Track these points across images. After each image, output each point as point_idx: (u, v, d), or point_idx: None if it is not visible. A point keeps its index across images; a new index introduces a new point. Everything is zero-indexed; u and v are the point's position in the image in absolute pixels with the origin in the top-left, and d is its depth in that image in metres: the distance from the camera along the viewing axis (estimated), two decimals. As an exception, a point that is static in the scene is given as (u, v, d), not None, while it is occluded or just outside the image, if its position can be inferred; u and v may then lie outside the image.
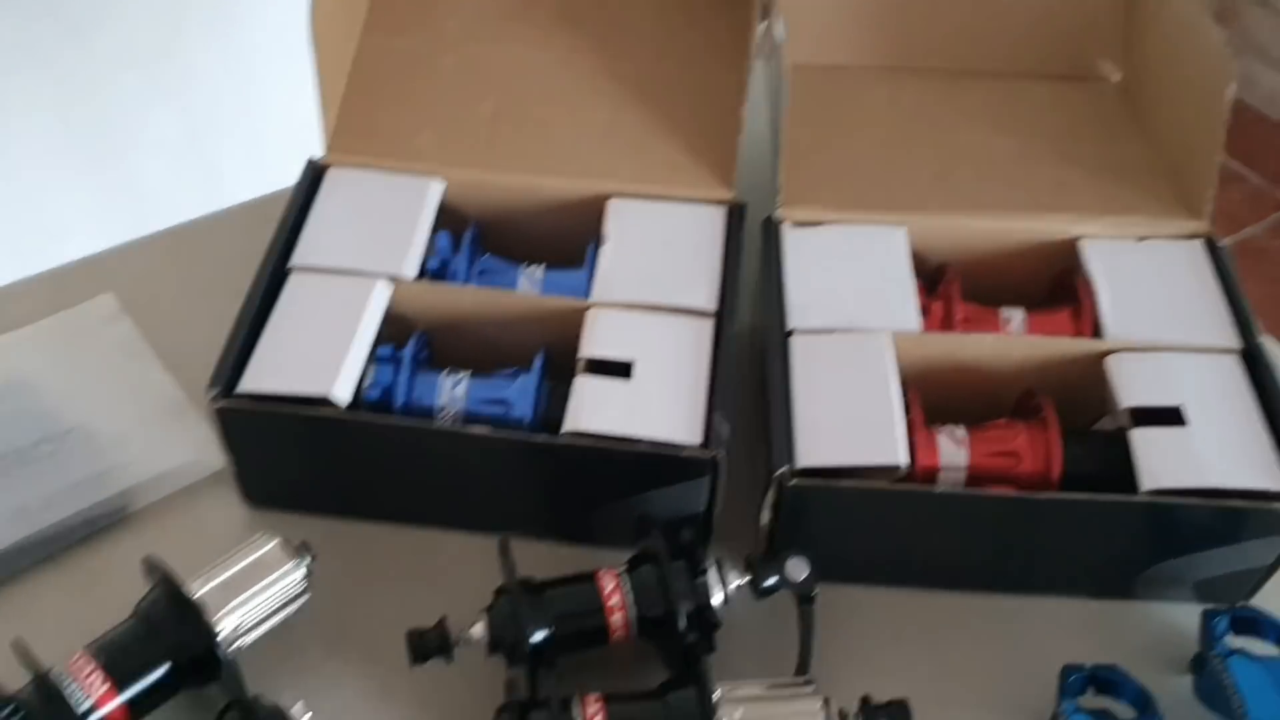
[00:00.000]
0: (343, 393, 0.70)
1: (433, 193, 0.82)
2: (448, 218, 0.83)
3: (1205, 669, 0.70)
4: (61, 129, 1.42)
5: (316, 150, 0.84)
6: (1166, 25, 0.88)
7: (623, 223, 0.81)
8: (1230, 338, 0.76)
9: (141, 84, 1.44)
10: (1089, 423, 0.77)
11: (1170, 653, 0.73)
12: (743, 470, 0.73)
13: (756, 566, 0.69)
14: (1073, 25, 0.96)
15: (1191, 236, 0.82)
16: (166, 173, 1.47)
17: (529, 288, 0.80)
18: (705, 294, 0.77)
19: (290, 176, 0.84)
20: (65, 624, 0.72)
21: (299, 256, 0.78)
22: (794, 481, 0.67)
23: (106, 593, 0.72)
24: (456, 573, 0.75)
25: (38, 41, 1.35)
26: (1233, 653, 0.68)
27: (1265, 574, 0.73)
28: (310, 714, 0.63)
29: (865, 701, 0.65)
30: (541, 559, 0.70)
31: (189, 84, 1.48)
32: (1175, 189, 0.85)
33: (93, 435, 0.79)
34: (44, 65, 1.36)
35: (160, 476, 0.77)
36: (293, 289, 0.76)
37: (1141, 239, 0.82)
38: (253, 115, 1.48)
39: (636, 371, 0.72)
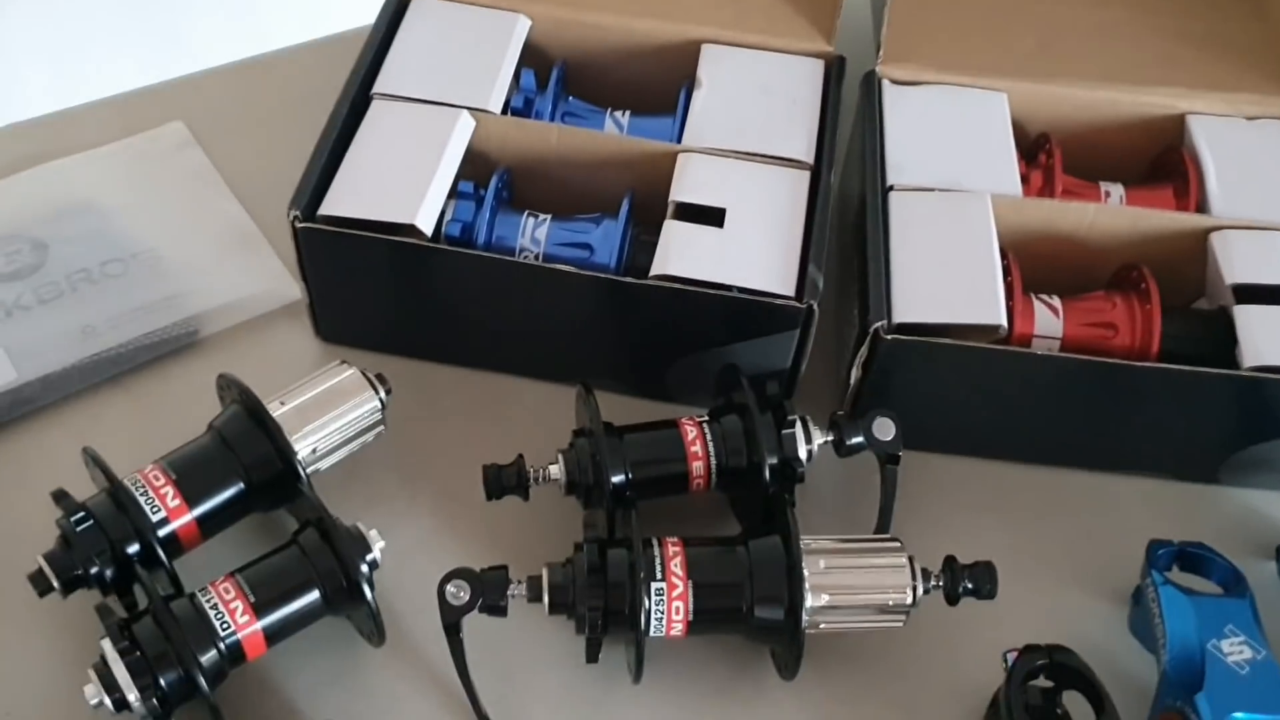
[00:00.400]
0: (426, 222, 0.68)
1: (520, 28, 0.79)
2: (533, 57, 0.80)
3: (1295, 554, 0.68)
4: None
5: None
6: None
7: (717, 69, 0.78)
8: (1342, 219, 0.74)
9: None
10: (1184, 303, 0.75)
11: (1256, 539, 0.71)
12: (827, 329, 0.71)
13: (841, 425, 0.67)
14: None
15: (1302, 116, 0.79)
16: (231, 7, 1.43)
17: (616, 132, 0.78)
18: (802, 145, 0.74)
19: (353, 19, 0.81)
20: (130, 444, 0.70)
21: (382, 84, 0.75)
22: (890, 336, 0.65)
23: (172, 416, 0.72)
24: (531, 419, 0.73)
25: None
26: (1327, 536, 0.66)
27: (1360, 461, 0.71)
28: (382, 543, 0.62)
29: (950, 561, 0.63)
30: (616, 410, 0.68)
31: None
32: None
33: (162, 259, 0.77)
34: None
35: (230, 305, 0.75)
36: (375, 117, 0.74)
37: (1251, 118, 0.79)
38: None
39: (729, 219, 0.70)
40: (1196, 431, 0.71)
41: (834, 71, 0.79)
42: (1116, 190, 0.79)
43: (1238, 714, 0.57)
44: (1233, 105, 0.79)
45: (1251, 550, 0.71)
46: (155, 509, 0.60)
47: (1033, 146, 0.80)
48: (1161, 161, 0.81)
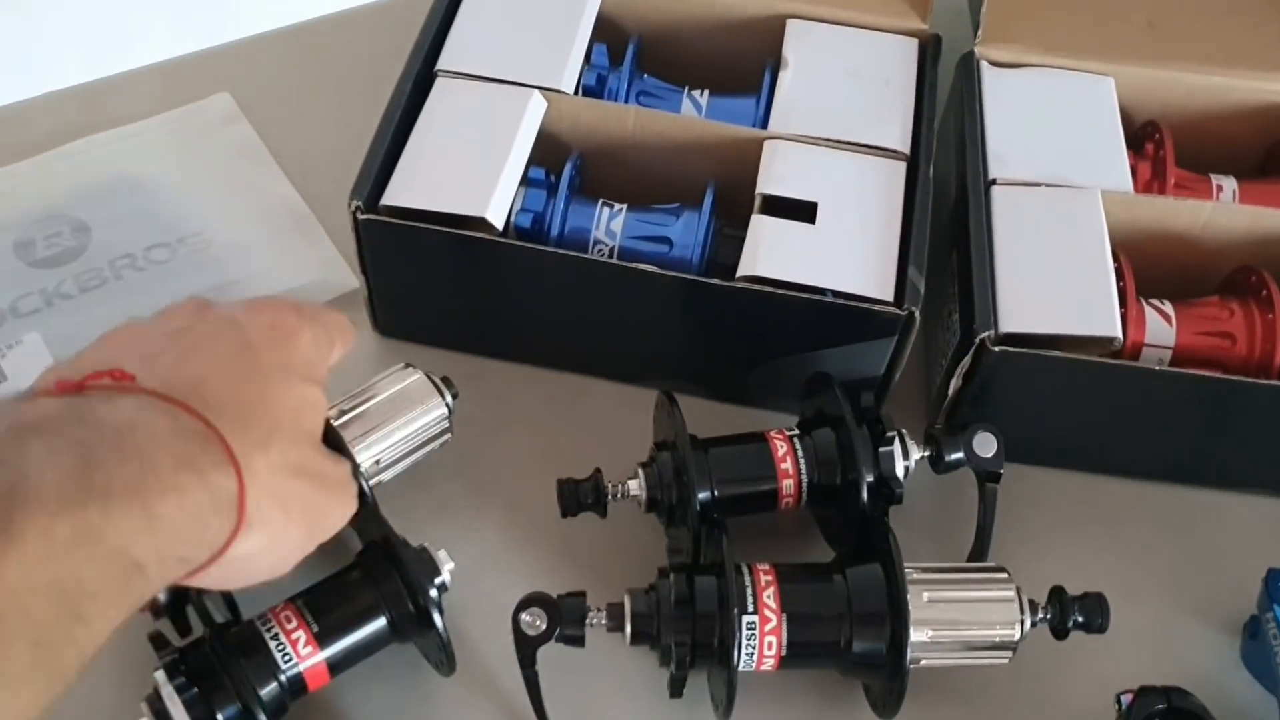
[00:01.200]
0: (496, 215, 0.64)
1: (590, 5, 0.74)
2: (606, 31, 0.75)
3: None
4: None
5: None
6: None
7: (805, 47, 0.73)
8: None
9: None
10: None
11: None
12: (918, 333, 0.66)
13: (940, 439, 0.63)
14: None
15: None
16: None
17: (694, 114, 0.73)
18: (898, 133, 0.69)
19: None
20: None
21: (445, 61, 0.70)
22: (998, 348, 0.61)
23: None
24: (604, 422, 0.69)
25: None
26: None
27: None
28: (452, 564, 0.58)
29: (1058, 593, 0.59)
30: (693, 414, 0.63)
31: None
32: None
33: (210, 244, 0.73)
34: None
35: (283, 294, 0.71)
36: (438, 97, 0.69)
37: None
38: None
39: (821, 214, 0.65)
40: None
41: (929, 52, 0.73)
42: (1229, 184, 0.74)
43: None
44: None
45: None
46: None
47: (1139, 135, 0.75)
48: (1276, 153, 0.75)
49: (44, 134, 0.78)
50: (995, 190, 0.68)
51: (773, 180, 0.66)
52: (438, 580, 0.57)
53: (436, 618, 0.55)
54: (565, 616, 0.56)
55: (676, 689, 0.58)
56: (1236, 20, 0.78)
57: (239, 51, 0.86)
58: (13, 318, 0.68)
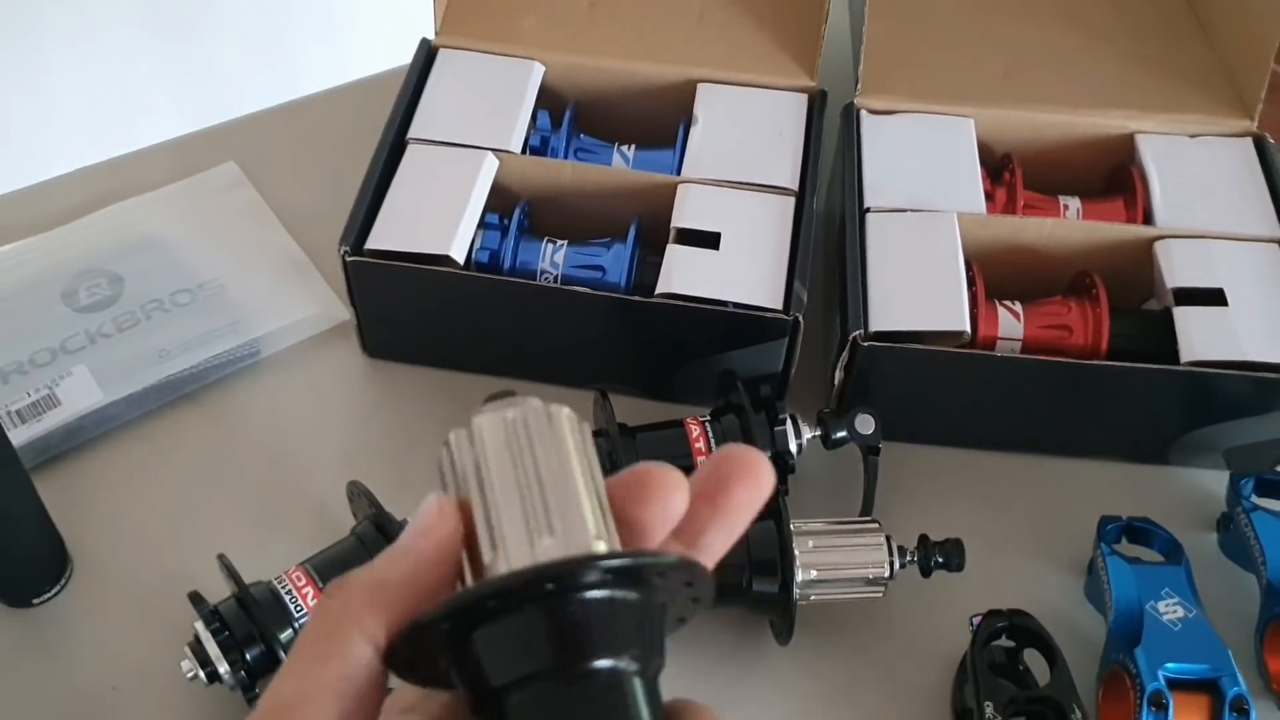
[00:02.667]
0: (459, 252, 0.78)
1: (535, 75, 0.89)
2: (548, 98, 0.90)
3: (1230, 526, 0.77)
4: (148, 8, 1.50)
5: (409, 36, 0.91)
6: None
7: (712, 106, 0.87)
8: (1272, 227, 0.82)
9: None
10: (1137, 304, 0.84)
11: (1200, 513, 0.80)
12: (816, 336, 0.80)
13: (828, 421, 0.77)
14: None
15: (1242, 135, 0.88)
16: (256, 53, 1.54)
17: (622, 165, 0.87)
18: (788, 173, 0.83)
19: (381, 62, 0.90)
20: (202, 453, 0.81)
21: (416, 129, 0.85)
22: (867, 343, 0.75)
23: (238, 427, 0.82)
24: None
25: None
26: (1256, 509, 0.75)
27: (1291, 443, 0.80)
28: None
29: (923, 539, 0.72)
30: (628, 410, 0.77)
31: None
32: (1230, 91, 0.90)
33: (224, 288, 0.87)
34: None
35: (286, 327, 0.85)
36: (410, 159, 0.83)
37: (1194, 135, 0.88)
38: (343, 2, 1.54)
39: (724, 242, 0.79)
40: (1144, 419, 0.80)
41: (816, 105, 0.88)
42: (1074, 203, 0.88)
43: (1170, 664, 0.66)
44: (1178, 125, 0.88)
45: (1197, 524, 0.80)
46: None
47: (999, 165, 0.89)
48: (1114, 177, 0.89)
49: (79, 203, 0.93)
50: (869, 216, 0.82)
51: (685, 216, 0.81)
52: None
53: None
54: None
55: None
56: (1079, 64, 0.93)
57: (242, 126, 1.00)
58: (63, 354, 0.82)
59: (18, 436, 0.77)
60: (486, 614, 0.31)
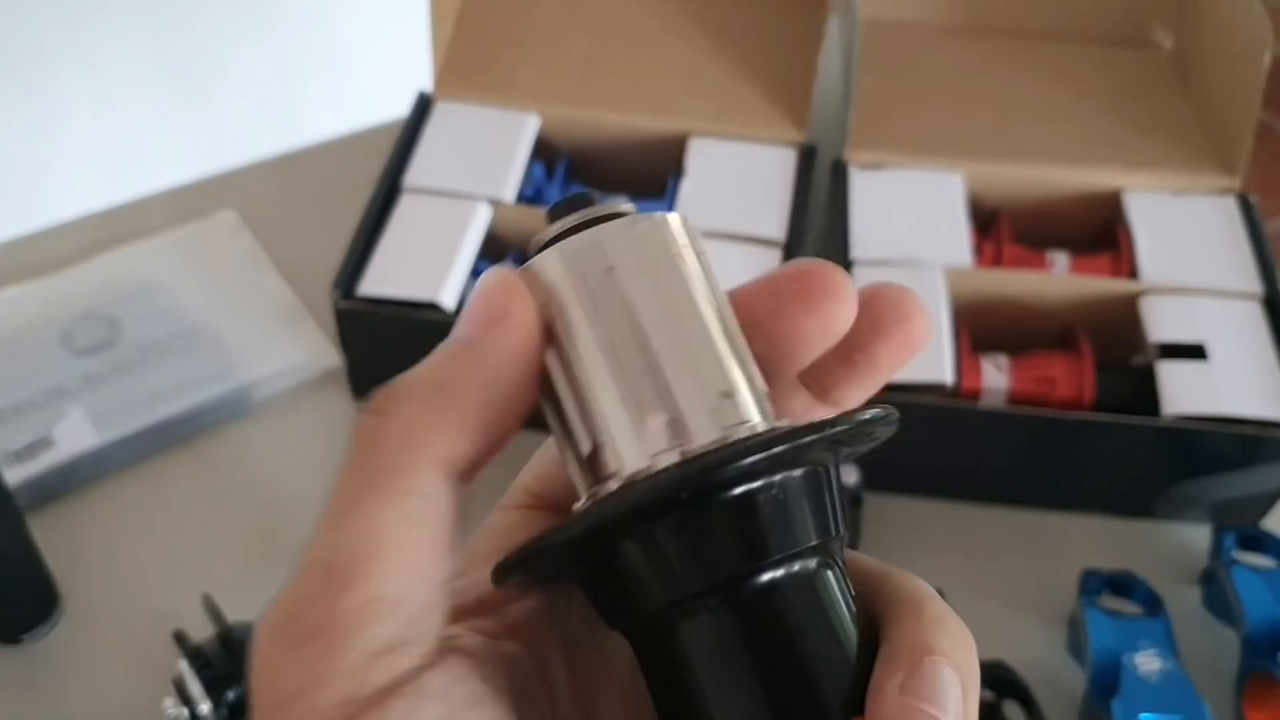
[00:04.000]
0: (449, 299, 0.79)
1: (529, 126, 0.90)
2: (542, 150, 0.91)
3: (1213, 581, 0.77)
4: (157, 61, 1.53)
5: (408, 88, 0.92)
6: (1216, -5, 0.95)
7: (703, 159, 0.89)
8: (1254, 284, 0.83)
9: (231, 22, 1.55)
10: (1125, 359, 0.85)
11: (1184, 567, 0.80)
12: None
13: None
14: (1130, -6, 1.03)
15: (1226, 192, 0.89)
16: (264, 104, 1.56)
17: (614, 216, 0.88)
18: (775, 225, 0.84)
19: (380, 113, 0.92)
20: (195, 497, 0.82)
21: (410, 178, 0.86)
22: (849, 394, 0.75)
23: (231, 471, 0.83)
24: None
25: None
26: (1236, 563, 0.75)
27: (1274, 497, 0.80)
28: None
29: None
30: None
31: (277, 23, 1.58)
32: (1214, 148, 0.91)
33: (219, 333, 0.88)
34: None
35: (279, 372, 0.86)
36: (404, 207, 0.85)
37: (1179, 192, 0.89)
38: (356, 53, 1.58)
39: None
40: (1128, 473, 0.81)
41: (806, 158, 0.89)
42: (1061, 258, 0.89)
43: (1145, 715, 0.67)
44: (1163, 182, 0.89)
45: (1181, 578, 0.80)
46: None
47: (987, 220, 0.91)
48: (1102, 232, 0.90)
49: (79, 249, 0.94)
50: (855, 269, 0.83)
51: (673, 266, 0.82)
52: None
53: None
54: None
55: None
56: (1069, 121, 0.94)
57: (242, 175, 1.02)
58: (60, 396, 0.83)
59: (14, 476, 0.78)
60: (639, 526, 0.26)
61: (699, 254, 0.28)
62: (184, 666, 0.67)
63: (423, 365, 0.28)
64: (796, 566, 0.26)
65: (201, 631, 0.69)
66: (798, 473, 0.26)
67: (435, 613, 0.27)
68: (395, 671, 0.25)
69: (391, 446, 0.27)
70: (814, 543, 0.26)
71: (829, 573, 0.27)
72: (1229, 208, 0.88)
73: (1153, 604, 0.74)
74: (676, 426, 0.26)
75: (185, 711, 0.66)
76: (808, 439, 0.25)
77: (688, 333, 0.26)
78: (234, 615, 0.70)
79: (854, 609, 0.27)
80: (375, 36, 1.47)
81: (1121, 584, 0.76)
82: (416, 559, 0.26)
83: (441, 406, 0.27)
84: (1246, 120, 0.88)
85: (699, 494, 0.25)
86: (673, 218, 0.28)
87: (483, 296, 0.27)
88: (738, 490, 0.25)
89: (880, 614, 0.28)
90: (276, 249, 0.95)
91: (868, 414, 0.27)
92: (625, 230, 0.27)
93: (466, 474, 0.27)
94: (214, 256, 0.94)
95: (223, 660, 0.67)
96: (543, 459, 0.31)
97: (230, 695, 0.66)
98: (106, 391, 0.84)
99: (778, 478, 0.26)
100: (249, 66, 1.59)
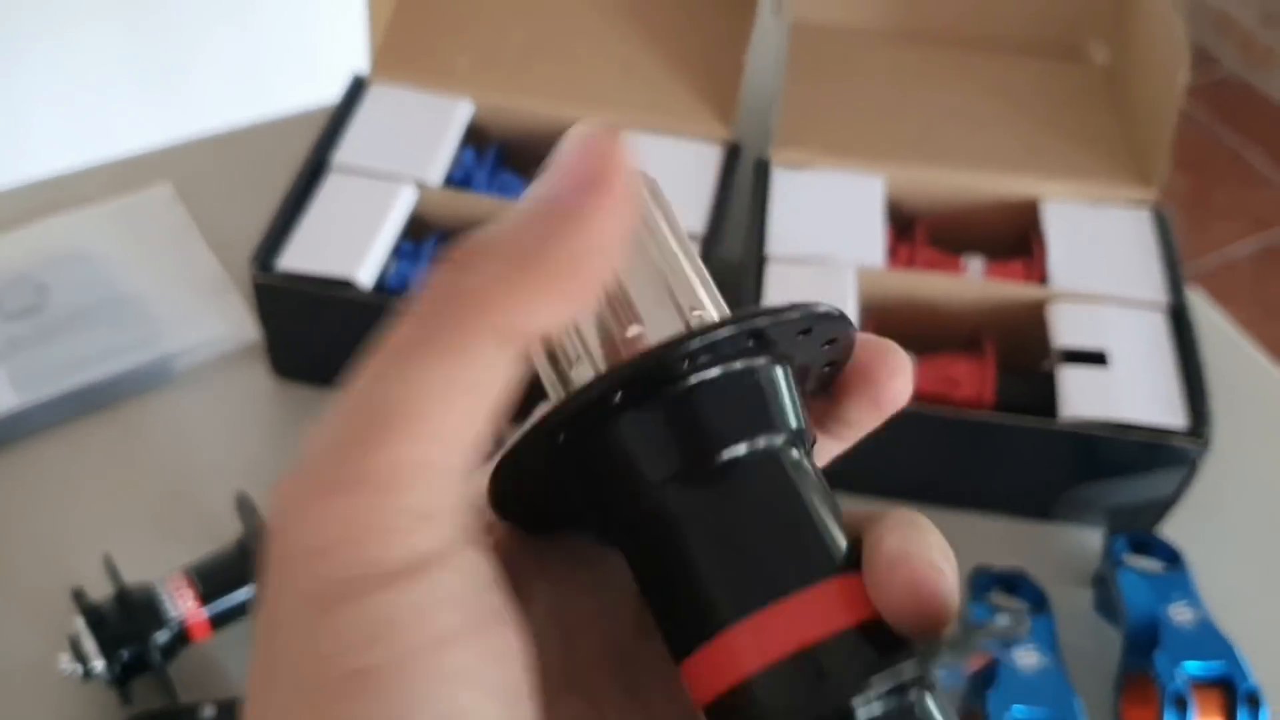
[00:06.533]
0: (366, 277, 0.80)
1: (462, 112, 0.92)
2: (476, 137, 0.93)
3: (1103, 583, 0.79)
4: (128, 39, 1.54)
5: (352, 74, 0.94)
6: (1143, 14, 0.96)
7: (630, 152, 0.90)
8: (1160, 294, 0.85)
9: (202, 4, 1.56)
10: (1034, 364, 0.86)
11: (1080, 570, 0.82)
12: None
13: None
14: (1068, 8, 1.04)
15: (1142, 204, 0.91)
16: (219, 81, 1.58)
17: (540, 204, 0.90)
18: (697, 218, 0.86)
19: (326, 97, 0.94)
20: (111, 462, 0.83)
21: (338, 157, 0.88)
22: (752, 384, 0.77)
23: (151, 438, 0.84)
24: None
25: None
26: (1122, 565, 0.77)
27: (1168, 504, 0.82)
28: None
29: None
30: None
31: (244, 7, 1.60)
32: (1135, 161, 0.93)
33: (146, 303, 0.89)
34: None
35: (201, 344, 0.87)
36: (330, 185, 0.86)
37: (1096, 202, 0.91)
38: (304, 34, 1.59)
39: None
40: (1027, 475, 0.82)
41: (731, 155, 0.91)
42: (976, 263, 0.90)
43: (1018, 707, 0.68)
44: (1083, 192, 0.91)
45: (1076, 580, 0.81)
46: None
47: (907, 223, 0.92)
48: (1019, 240, 0.92)
49: (21, 214, 0.95)
50: (768, 266, 0.84)
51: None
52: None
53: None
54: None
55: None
56: (993, 129, 0.96)
57: (178, 151, 1.03)
58: (-18, 359, 0.85)
59: (-71, 434, 0.80)
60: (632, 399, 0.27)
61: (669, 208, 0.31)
62: (80, 624, 0.68)
63: (507, 224, 0.26)
64: (778, 440, 0.28)
65: (102, 591, 0.71)
66: (763, 359, 0.28)
67: (467, 487, 0.26)
68: (431, 541, 0.24)
69: (462, 303, 0.25)
70: (793, 426, 0.29)
71: (803, 452, 0.29)
72: (1144, 219, 0.90)
73: (1039, 602, 0.76)
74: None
75: (79, 668, 0.67)
76: (761, 319, 0.28)
77: (678, 259, 0.30)
78: (136, 577, 0.71)
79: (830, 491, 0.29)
80: (321, 19, 1.48)
81: (1010, 582, 0.77)
82: (464, 427, 0.25)
83: (523, 268, 0.25)
84: (1164, 135, 0.89)
85: (677, 372, 0.27)
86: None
87: (581, 154, 0.26)
88: (718, 368, 0.28)
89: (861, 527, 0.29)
90: (209, 224, 0.96)
91: (821, 308, 0.28)
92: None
93: (527, 351, 0.26)
94: (147, 228, 0.95)
95: (118, 619, 0.68)
96: None
97: (125, 654, 0.68)
98: (30, 355, 0.85)
99: (749, 360, 0.28)
100: (216, 47, 1.60)
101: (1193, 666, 0.71)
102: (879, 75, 1.00)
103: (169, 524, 0.80)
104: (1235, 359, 0.94)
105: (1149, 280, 0.86)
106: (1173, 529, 0.83)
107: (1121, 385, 0.79)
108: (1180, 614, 0.74)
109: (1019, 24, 1.04)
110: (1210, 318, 0.94)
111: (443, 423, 0.25)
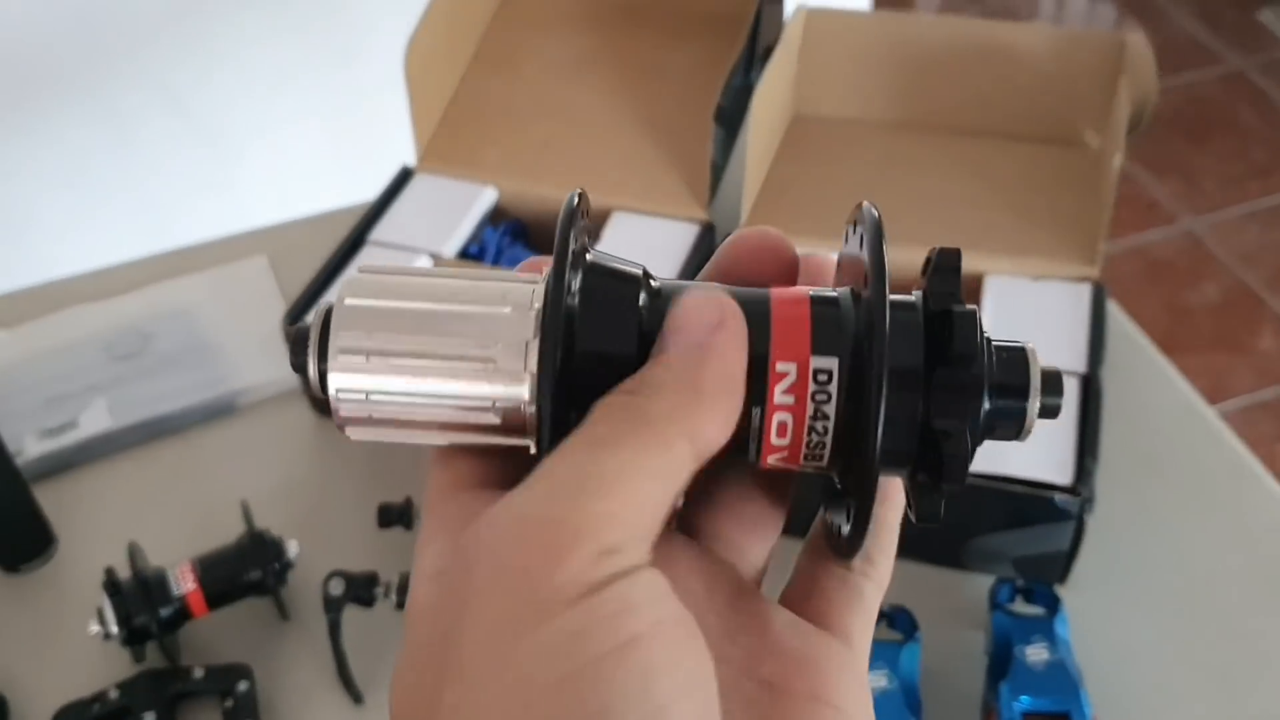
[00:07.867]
0: (372, 332, 0.97)
1: (486, 196, 1.08)
2: (500, 216, 1.09)
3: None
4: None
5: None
6: (1120, 102, 1.03)
7: (618, 231, 1.04)
8: (1078, 364, 0.92)
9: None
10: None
11: (974, 614, 0.89)
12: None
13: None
14: (1064, 97, 1.12)
15: (1084, 279, 0.98)
16: (309, 177, 1.79)
17: (542, 273, 1.05)
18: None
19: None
20: (177, 477, 1.02)
21: (376, 234, 1.05)
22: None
23: (216, 460, 1.03)
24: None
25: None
26: (998, 609, 0.84)
27: (1068, 557, 0.88)
28: (297, 550, 0.89)
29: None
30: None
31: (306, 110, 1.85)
32: (1086, 239, 1.00)
33: (225, 350, 1.09)
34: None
35: (261, 384, 1.06)
36: (361, 256, 1.04)
37: (1037, 278, 0.98)
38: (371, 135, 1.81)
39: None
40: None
41: (705, 233, 1.03)
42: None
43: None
44: (1023, 267, 0.99)
45: (975, 625, 0.88)
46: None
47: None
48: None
49: (146, 279, 1.17)
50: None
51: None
52: (284, 558, 0.89)
53: (276, 582, 0.87)
54: (359, 585, 0.86)
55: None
56: (951, 212, 1.04)
57: (276, 230, 1.23)
58: (93, 391, 1.06)
59: (42, 448, 1.01)
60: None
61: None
62: (104, 599, 0.86)
63: (658, 365, 0.31)
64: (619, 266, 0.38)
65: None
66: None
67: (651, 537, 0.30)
68: (616, 565, 0.29)
69: (651, 419, 0.30)
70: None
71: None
72: (1081, 294, 0.97)
73: (910, 630, 0.84)
74: None
75: (102, 630, 0.86)
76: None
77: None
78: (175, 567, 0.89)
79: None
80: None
81: (892, 619, 0.85)
82: (657, 510, 0.30)
83: (697, 392, 0.31)
84: (1101, 211, 0.96)
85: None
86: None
87: (697, 308, 0.32)
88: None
89: None
90: (291, 288, 1.15)
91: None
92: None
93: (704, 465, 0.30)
94: (239, 291, 1.15)
95: (134, 594, 0.86)
96: None
97: (136, 622, 0.85)
98: (126, 389, 1.06)
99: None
100: (311, 147, 1.86)
101: (1029, 701, 0.78)
102: (867, 161, 1.10)
103: (205, 528, 0.98)
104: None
105: (1071, 350, 0.93)
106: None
107: (1015, 444, 0.87)
108: (1035, 654, 0.81)
109: (1017, 115, 1.12)
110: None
111: (634, 499, 0.29)
